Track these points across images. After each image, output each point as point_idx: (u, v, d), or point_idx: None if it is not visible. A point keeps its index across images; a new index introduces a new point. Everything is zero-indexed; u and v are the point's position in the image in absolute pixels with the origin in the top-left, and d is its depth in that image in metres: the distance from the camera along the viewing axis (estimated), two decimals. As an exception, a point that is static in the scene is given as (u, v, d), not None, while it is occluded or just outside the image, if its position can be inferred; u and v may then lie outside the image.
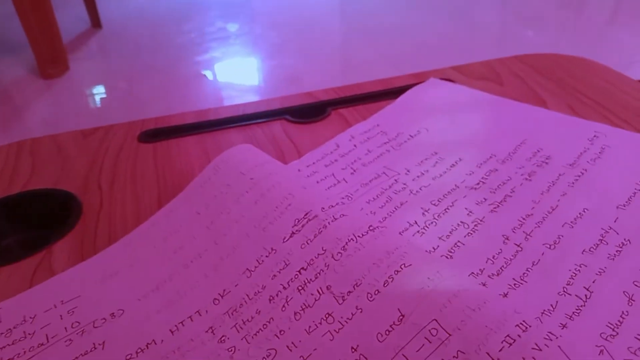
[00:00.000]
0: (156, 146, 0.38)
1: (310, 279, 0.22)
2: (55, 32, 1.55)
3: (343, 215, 0.24)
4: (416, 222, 0.27)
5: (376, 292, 0.20)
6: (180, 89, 1.48)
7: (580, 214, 0.27)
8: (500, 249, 0.25)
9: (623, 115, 0.38)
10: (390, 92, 0.43)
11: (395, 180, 0.31)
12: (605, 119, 0.38)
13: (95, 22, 1.97)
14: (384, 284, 0.20)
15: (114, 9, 2.19)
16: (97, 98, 1.47)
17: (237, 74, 1.57)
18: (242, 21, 2.04)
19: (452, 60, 0.48)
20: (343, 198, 0.30)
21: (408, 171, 0.32)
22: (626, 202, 0.28)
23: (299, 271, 0.22)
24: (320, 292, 0.21)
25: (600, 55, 0.46)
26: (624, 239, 0.25)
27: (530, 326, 0.18)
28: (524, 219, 0.27)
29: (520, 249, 0.25)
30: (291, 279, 0.22)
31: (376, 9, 2.05)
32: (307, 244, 0.23)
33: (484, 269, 0.24)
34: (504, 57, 0.47)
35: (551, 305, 0.22)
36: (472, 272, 0.24)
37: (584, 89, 0.42)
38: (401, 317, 0.19)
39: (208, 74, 1.54)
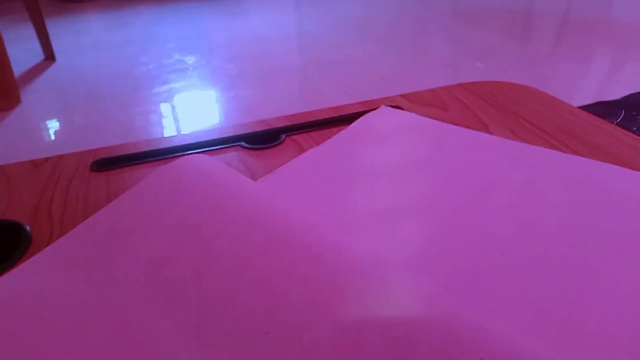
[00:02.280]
0: (109, 175, 0.38)
1: None
2: (6, 65, 1.51)
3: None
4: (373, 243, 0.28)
5: None
6: (138, 121, 1.47)
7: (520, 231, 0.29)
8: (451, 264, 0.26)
9: (560, 137, 0.41)
10: (343, 119, 0.44)
11: (349, 205, 0.32)
12: (544, 142, 0.40)
13: (49, 54, 1.94)
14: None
15: (68, 41, 2.17)
16: (51, 131, 1.44)
17: (195, 105, 1.57)
18: (199, 54, 2.05)
19: (403, 89, 0.50)
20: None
21: (361, 195, 0.33)
22: (566, 217, 0.30)
23: None
24: None
25: (545, 84, 0.50)
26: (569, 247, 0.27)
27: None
28: (470, 237, 0.28)
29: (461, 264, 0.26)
30: None
31: (332, 43, 2.11)
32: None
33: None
34: (448, 85, 0.50)
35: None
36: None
37: (524, 114, 0.44)
38: None
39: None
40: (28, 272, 0.25)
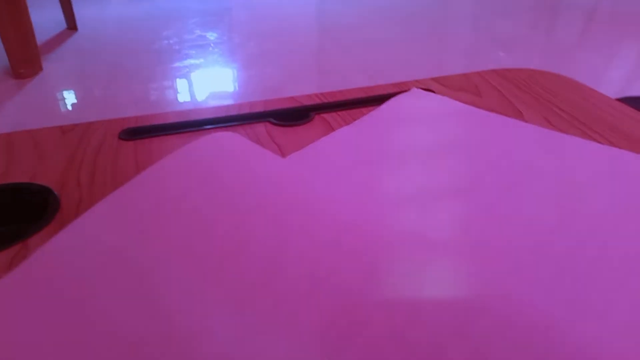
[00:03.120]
0: (137, 144, 0.37)
1: None
2: (29, 32, 1.52)
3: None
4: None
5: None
6: (157, 95, 1.47)
7: (560, 220, 0.28)
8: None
9: (597, 129, 0.39)
10: (373, 100, 0.43)
11: (380, 186, 0.31)
12: (581, 132, 0.39)
13: (71, 24, 1.94)
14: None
15: (91, 12, 2.16)
16: (71, 100, 1.44)
17: (215, 81, 1.57)
18: (221, 30, 2.04)
19: (424, 74, 0.49)
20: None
21: (392, 176, 0.32)
22: (603, 208, 0.29)
23: None
24: None
25: (570, 75, 0.48)
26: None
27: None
28: (505, 224, 0.28)
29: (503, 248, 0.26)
30: None
31: (354, 24, 2.08)
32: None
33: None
34: (481, 71, 0.49)
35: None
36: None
37: (559, 103, 0.43)
38: None
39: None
40: (60, 244, 0.25)
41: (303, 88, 1.47)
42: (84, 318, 0.20)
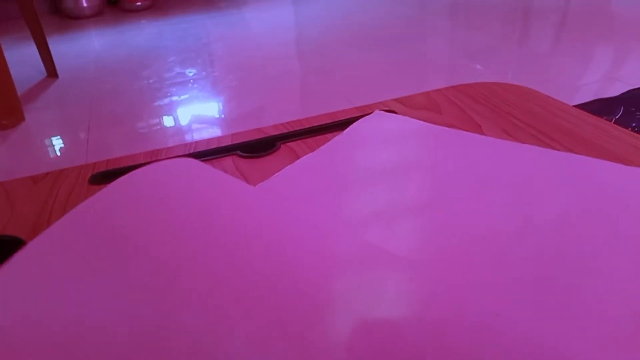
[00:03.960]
0: (107, 188, 0.38)
1: None
2: (9, 83, 1.53)
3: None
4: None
5: None
6: (140, 135, 1.48)
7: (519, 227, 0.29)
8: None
9: (554, 136, 0.41)
10: (338, 125, 0.44)
11: (345, 209, 0.32)
12: (538, 140, 0.40)
13: (51, 71, 1.96)
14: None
15: (70, 58, 2.19)
16: (55, 148, 1.45)
17: (195, 116, 1.58)
18: (199, 66, 2.07)
19: (402, 92, 0.50)
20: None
21: (356, 198, 0.33)
22: (559, 214, 0.30)
23: None
24: None
25: (545, 83, 0.50)
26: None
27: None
28: (470, 237, 0.29)
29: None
30: None
31: (329, 48, 2.12)
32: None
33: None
34: (442, 88, 0.50)
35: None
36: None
37: (517, 114, 0.45)
38: None
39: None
40: (23, 259, 0.25)
41: (284, 115, 1.48)
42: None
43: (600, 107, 1.04)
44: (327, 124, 0.45)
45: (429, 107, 0.47)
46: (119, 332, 0.20)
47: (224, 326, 0.20)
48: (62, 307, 0.22)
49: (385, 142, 0.40)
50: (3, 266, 0.26)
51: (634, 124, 0.95)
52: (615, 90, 1.29)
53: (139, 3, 2.85)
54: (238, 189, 0.29)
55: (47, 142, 1.49)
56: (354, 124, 0.44)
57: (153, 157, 0.42)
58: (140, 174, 0.29)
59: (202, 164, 0.30)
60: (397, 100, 0.49)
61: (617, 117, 1.01)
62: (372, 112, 0.46)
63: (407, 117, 0.44)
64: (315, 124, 0.45)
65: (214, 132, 1.47)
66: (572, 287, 0.25)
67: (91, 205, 0.28)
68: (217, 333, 0.20)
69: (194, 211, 0.25)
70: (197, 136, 1.45)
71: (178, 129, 1.53)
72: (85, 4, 2.76)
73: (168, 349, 0.19)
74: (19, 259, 0.26)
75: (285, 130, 0.45)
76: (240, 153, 0.41)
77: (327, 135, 0.43)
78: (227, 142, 0.43)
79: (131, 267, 0.23)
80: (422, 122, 0.43)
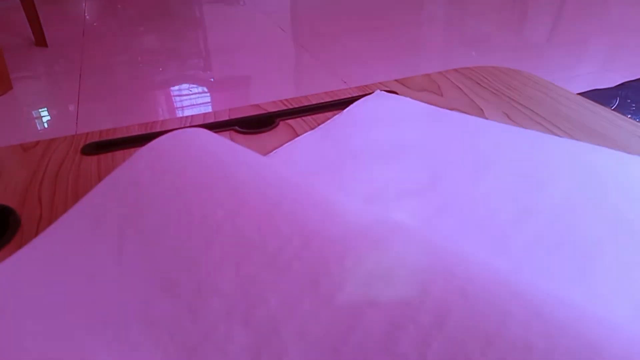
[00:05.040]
0: (100, 159, 0.37)
1: None
2: (-3, 51, 1.49)
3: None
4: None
5: None
6: (131, 107, 1.45)
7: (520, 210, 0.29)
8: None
9: (556, 122, 0.40)
10: (338, 104, 0.44)
11: (342, 188, 0.32)
12: (540, 126, 0.40)
13: (40, 40, 1.92)
14: None
15: (60, 27, 2.14)
16: (44, 119, 1.42)
17: (190, 91, 1.56)
18: (193, 41, 2.04)
19: (397, 76, 0.49)
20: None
21: (356, 178, 0.33)
22: (562, 198, 0.30)
23: None
24: None
25: (540, 73, 0.49)
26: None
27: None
28: (468, 220, 0.28)
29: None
30: None
31: (327, 31, 2.09)
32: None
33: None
34: (443, 70, 0.50)
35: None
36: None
37: (519, 98, 0.44)
38: None
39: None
40: (54, 235, 0.25)
41: (277, 93, 1.47)
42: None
43: (596, 98, 1.04)
44: (327, 102, 0.44)
45: (429, 88, 0.46)
46: (157, 302, 0.21)
47: (256, 290, 0.20)
48: (96, 277, 0.22)
49: (386, 122, 0.40)
50: (37, 238, 0.26)
51: (629, 115, 0.95)
52: (610, 81, 1.29)
53: (131, -26, 2.78)
54: (253, 156, 0.29)
55: (35, 112, 1.46)
56: (355, 103, 0.43)
57: (148, 129, 0.41)
58: (158, 145, 0.29)
59: (214, 134, 0.30)
60: (398, 81, 0.48)
61: (612, 107, 1.01)
62: (373, 92, 0.45)
63: (408, 98, 0.43)
64: (315, 102, 0.44)
65: (207, 108, 1.45)
66: (571, 274, 0.24)
67: (117, 177, 0.28)
68: (249, 297, 0.20)
69: (215, 179, 0.25)
70: (190, 112, 1.43)
71: (171, 104, 1.51)
72: (76, -27, 2.68)
73: (204, 315, 0.20)
74: (53, 230, 0.26)
75: (284, 107, 0.44)
76: (238, 128, 0.40)
77: (326, 113, 0.42)
78: (225, 117, 0.42)
79: (163, 237, 0.23)
80: (423, 103, 0.42)
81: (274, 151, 0.36)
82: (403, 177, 0.32)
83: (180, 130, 0.30)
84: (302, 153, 0.36)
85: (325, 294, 0.20)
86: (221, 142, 0.29)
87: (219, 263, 0.22)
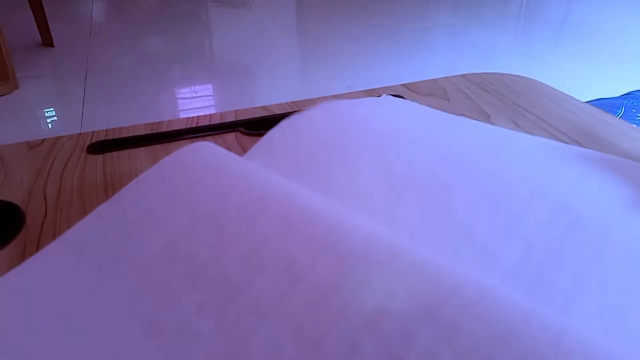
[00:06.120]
0: (106, 157, 0.37)
1: None
2: (4, 49, 1.50)
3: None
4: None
5: None
6: (137, 108, 1.46)
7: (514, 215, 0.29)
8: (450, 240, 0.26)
9: (564, 130, 0.40)
10: (344, 107, 0.43)
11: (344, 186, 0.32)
12: (547, 133, 0.40)
13: (47, 40, 1.93)
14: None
15: (67, 28, 2.15)
16: (49, 118, 1.43)
17: (195, 92, 1.56)
18: (199, 43, 2.04)
19: (402, 81, 0.49)
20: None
21: (358, 178, 0.32)
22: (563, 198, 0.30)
23: None
24: None
25: (545, 80, 0.49)
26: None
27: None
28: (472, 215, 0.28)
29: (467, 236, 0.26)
30: None
31: (334, 39, 2.10)
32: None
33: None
34: (450, 76, 0.49)
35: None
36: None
37: (527, 105, 0.44)
38: None
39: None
40: (35, 267, 0.25)
41: (284, 98, 1.47)
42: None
43: (601, 107, 1.04)
44: (333, 105, 0.44)
45: (436, 93, 0.46)
46: (135, 344, 0.20)
47: (238, 335, 0.20)
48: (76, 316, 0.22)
49: (393, 125, 0.39)
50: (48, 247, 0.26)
51: (635, 125, 0.95)
52: (615, 91, 1.29)
53: (139, -24, 2.80)
54: (253, 169, 0.28)
55: (40, 112, 1.46)
56: (361, 100, 0.43)
57: (154, 129, 0.41)
58: (145, 178, 0.28)
59: (219, 148, 0.29)
60: (404, 85, 0.48)
61: (617, 117, 1.00)
62: (380, 96, 0.45)
63: (415, 102, 0.43)
64: (321, 105, 0.44)
65: (211, 110, 1.45)
66: (570, 287, 0.24)
67: (128, 193, 0.27)
68: (230, 342, 0.20)
69: (202, 215, 0.25)
70: (196, 113, 1.43)
71: (177, 104, 1.51)
72: (84, -26, 2.70)
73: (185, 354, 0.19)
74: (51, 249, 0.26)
75: (290, 110, 0.44)
76: (244, 130, 0.40)
77: (333, 116, 0.42)
78: (231, 119, 0.42)
79: (146, 276, 0.23)
80: (430, 108, 0.42)
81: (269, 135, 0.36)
82: (407, 181, 0.32)
83: (170, 157, 0.29)
84: (307, 142, 0.36)
85: (309, 339, 0.19)
86: (213, 166, 0.28)
87: (201, 306, 0.21)
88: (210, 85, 1.64)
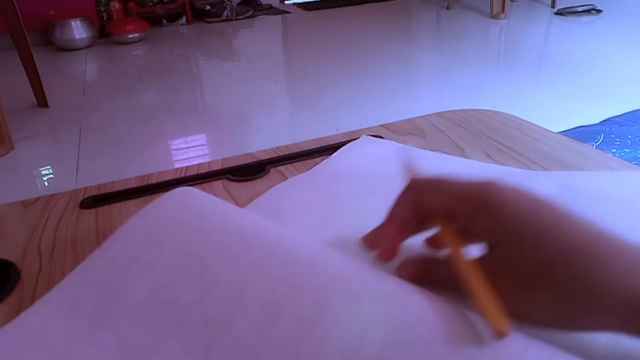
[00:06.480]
0: (98, 211, 0.39)
1: None
2: (-1, 112, 1.53)
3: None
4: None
5: None
6: (131, 164, 1.48)
7: None
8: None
9: (535, 159, 0.42)
10: (326, 149, 0.46)
11: (330, 229, 0.33)
12: (519, 163, 0.42)
13: (42, 101, 1.97)
14: None
15: (61, 89, 2.20)
16: (45, 176, 1.45)
17: (186, 143, 1.59)
18: (190, 96, 2.10)
19: (388, 120, 0.51)
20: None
21: (343, 218, 0.34)
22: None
23: None
24: None
25: (527, 113, 0.52)
26: None
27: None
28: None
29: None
30: None
31: (319, 83, 2.16)
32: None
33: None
34: (427, 114, 0.52)
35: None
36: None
37: (499, 138, 0.46)
38: None
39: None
40: (28, 321, 0.26)
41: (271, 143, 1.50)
42: None
43: (580, 134, 1.07)
44: (316, 148, 0.46)
45: (414, 132, 0.48)
46: None
47: None
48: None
49: (370, 164, 0.41)
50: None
51: (614, 150, 0.98)
52: (594, 118, 1.33)
53: (129, 35, 2.89)
54: (234, 211, 0.29)
55: (36, 171, 1.48)
56: (342, 148, 0.45)
57: (144, 181, 0.43)
58: (153, 206, 0.30)
59: (202, 192, 0.31)
60: (383, 126, 0.50)
61: (597, 143, 1.03)
62: (360, 137, 0.47)
63: (392, 142, 0.45)
64: (304, 149, 0.46)
65: (205, 158, 1.48)
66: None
67: (118, 239, 0.29)
68: None
69: (187, 259, 0.26)
70: (189, 162, 1.46)
71: (167, 156, 1.54)
72: (76, 36, 2.79)
73: None
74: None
75: (275, 155, 0.46)
76: (231, 177, 0.42)
77: (315, 159, 0.44)
78: (218, 167, 0.44)
79: (135, 320, 0.24)
80: (406, 145, 0.44)
81: (265, 193, 0.38)
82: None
83: (152, 203, 0.30)
84: (290, 194, 0.37)
85: None
86: (194, 209, 0.29)
87: (188, 347, 0.22)
88: (202, 135, 1.67)
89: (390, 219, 0.27)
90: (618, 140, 1.08)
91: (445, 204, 0.25)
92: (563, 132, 1.28)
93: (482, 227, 0.23)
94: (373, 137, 0.47)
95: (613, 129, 1.09)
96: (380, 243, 0.28)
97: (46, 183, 1.41)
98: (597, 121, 1.16)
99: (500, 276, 0.21)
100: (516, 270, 0.21)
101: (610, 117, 1.16)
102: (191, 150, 1.55)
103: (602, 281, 0.19)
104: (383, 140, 0.46)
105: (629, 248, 0.20)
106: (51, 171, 1.48)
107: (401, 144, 0.45)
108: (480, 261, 0.23)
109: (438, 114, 0.52)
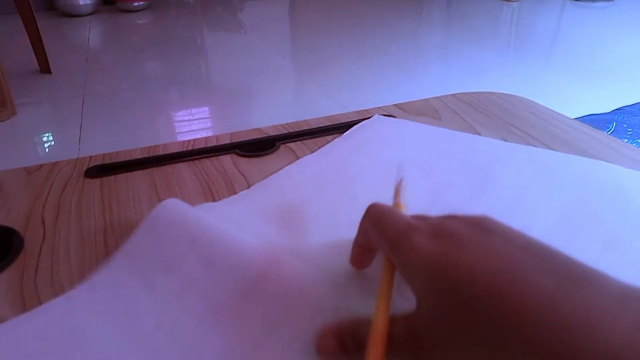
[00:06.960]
0: (103, 181, 0.38)
1: None
2: (1, 76, 1.51)
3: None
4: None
5: None
6: (135, 134, 1.47)
7: None
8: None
9: (552, 145, 0.41)
10: (337, 128, 0.44)
11: (344, 209, 0.32)
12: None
13: (44, 67, 1.94)
14: None
15: (64, 55, 2.17)
16: (47, 144, 1.44)
17: (191, 116, 1.58)
18: (194, 68, 2.07)
19: (395, 101, 0.50)
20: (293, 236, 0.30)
21: (355, 198, 0.33)
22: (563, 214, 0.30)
23: None
24: None
25: (537, 98, 0.50)
26: None
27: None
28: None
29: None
30: None
31: (326, 58, 2.13)
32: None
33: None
34: (441, 95, 0.50)
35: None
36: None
37: (515, 122, 0.45)
38: None
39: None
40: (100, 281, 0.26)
41: (278, 119, 1.48)
42: None
43: (592, 123, 1.06)
44: (327, 126, 0.45)
45: (428, 113, 0.47)
46: None
47: None
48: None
49: (384, 144, 0.40)
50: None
51: (625, 140, 0.97)
52: (606, 106, 1.30)
53: (135, 4, 2.84)
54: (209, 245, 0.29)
55: (38, 137, 1.47)
56: (355, 127, 0.44)
57: (151, 152, 0.42)
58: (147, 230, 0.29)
59: (186, 204, 0.30)
60: (396, 105, 0.49)
61: (609, 131, 1.02)
62: (372, 116, 0.46)
63: (405, 120, 0.44)
64: (314, 126, 0.45)
65: (208, 132, 1.46)
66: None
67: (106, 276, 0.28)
68: None
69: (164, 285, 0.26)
70: (192, 136, 1.44)
71: (173, 128, 1.52)
72: (80, 2, 2.74)
73: None
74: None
75: (285, 131, 0.45)
76: (239, 152, 0.41)
77: (326, 137, 0.43)
78: (226, 141, 0.43)
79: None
80: (420, 123, 0.43)
81: (275, 174, 0.37)
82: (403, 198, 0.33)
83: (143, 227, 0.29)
84: (303, 174, 0.36)
85: None
86: (181, 234, 0.28)
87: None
88: (206, 108, 1.65)
89: (355, 242, 0.26)
90: (630, 130, 1.06)
91: (382, 247, 0.23)
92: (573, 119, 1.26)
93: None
94: (386, 117, 0.46)
95: (625, 119, 1.07)
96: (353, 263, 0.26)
97: (48, 150, 1.40)
98: (608, 109, 1.13)
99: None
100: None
101: (623, 107, 1.13)
102: (194, 123, 1.53)
103: None
104: (396, 119, 0.45)
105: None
106: (53, 138, 1.47)
107: (415, 122, 0.43)
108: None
109: (453, 95, 0.51)
